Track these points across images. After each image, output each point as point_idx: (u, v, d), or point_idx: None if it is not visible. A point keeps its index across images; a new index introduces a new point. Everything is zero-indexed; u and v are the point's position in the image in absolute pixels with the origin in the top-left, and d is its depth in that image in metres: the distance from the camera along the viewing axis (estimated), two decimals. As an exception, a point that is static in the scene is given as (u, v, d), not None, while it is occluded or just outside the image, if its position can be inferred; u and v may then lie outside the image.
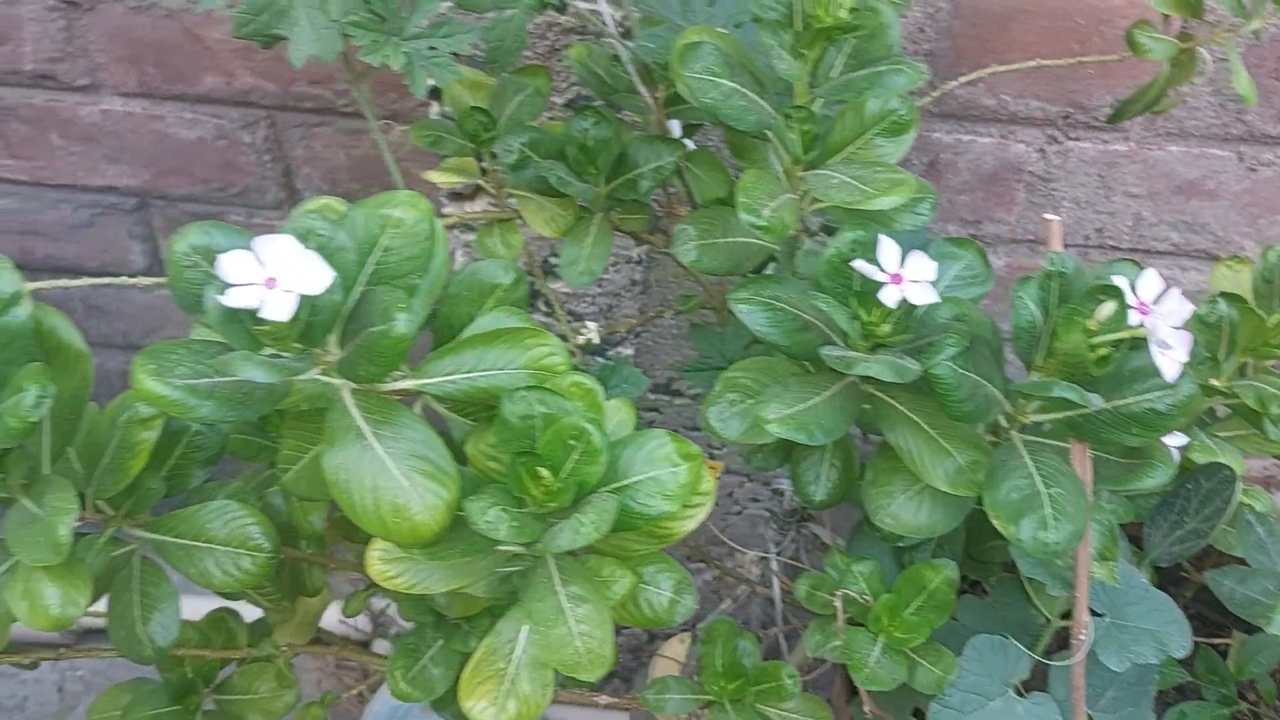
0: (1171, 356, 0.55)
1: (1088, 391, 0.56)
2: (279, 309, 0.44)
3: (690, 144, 0.80)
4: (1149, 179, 1.03)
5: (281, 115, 1.18)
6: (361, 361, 0.49)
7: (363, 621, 1.36)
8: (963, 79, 0.82)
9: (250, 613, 0.79)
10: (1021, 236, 1.08)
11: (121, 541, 0.63)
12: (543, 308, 1.08)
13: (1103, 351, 0.55)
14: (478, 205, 1.15)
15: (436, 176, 0.76)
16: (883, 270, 0.57)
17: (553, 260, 1.13)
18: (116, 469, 0.57)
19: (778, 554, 0.86)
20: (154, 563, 0.63)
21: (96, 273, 1.35)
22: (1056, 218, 0.60)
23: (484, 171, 0.81)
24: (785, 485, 0.90)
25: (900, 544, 0.75)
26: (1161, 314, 0.56)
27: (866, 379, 0.65)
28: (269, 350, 0.47)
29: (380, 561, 0.58)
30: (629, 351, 1.14)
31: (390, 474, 0.52)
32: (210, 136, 1.19)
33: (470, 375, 0.57)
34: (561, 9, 0.76)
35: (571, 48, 0.82)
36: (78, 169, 1.24)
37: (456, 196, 1.16)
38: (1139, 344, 0.58)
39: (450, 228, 0.99)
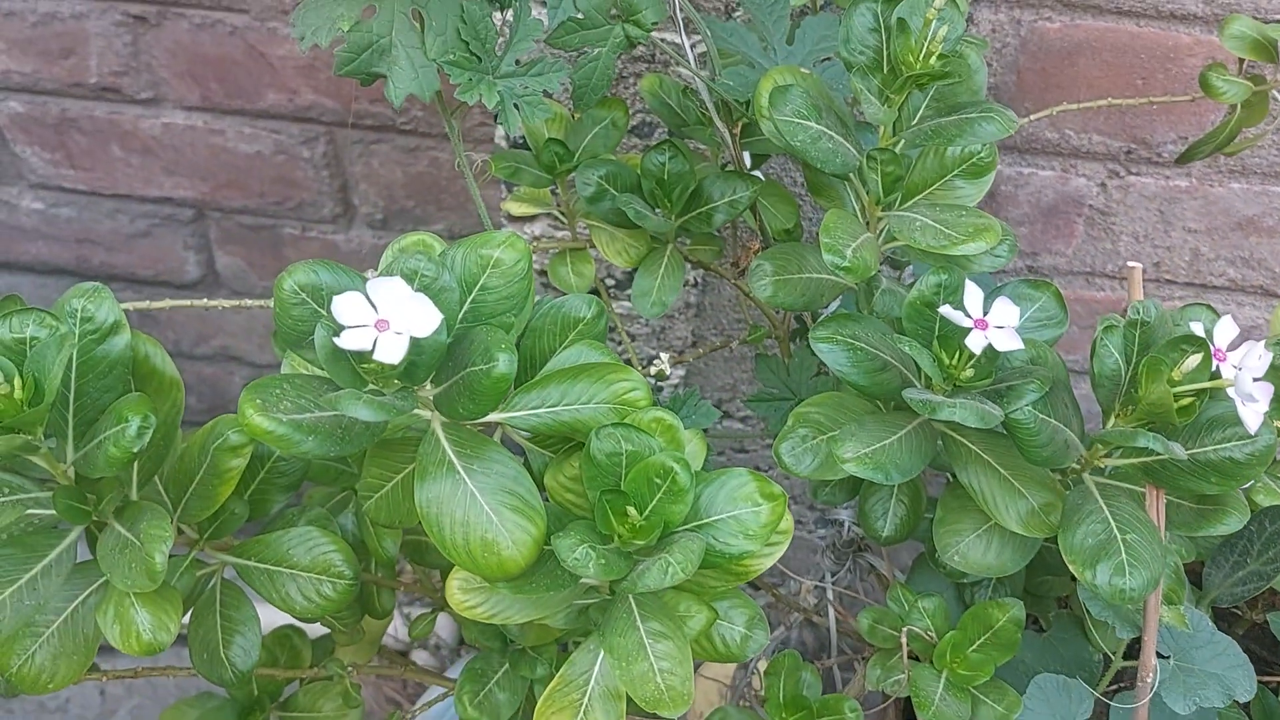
0: (1255, 409, 0.55)
1: (1169, 440, 0.56)
2: (391, 351, 0.45)
3: (759, 175, 0.81)
4: (1208, 215, 1.03)
5: (341, 132, 1.19)
6: (461, 399, 0.50)
7: (398, 628, 1.36)
8: (1033, 116, 0.83)
9: (312, 629, 0.80)
10: (1079, 269, 1.08)
11: (202, 563, 0.64)
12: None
13: (1186, 401, 0.56)
14: (536, 228, 1.16)
15: (514, 207, 0.77)
16: (968, 316, 0.57)
17: (608, 281, 1.14)
18: (205, 495, 0.58)
19: (834, 583, 0.86)
20: (234, 586, 0.64)
21: (151, 281, 1.36)
22: (1138, 265, 0.60)
23: (556, 199, 0.82)
24: (843, 516, 0.90)
25: (963, 580, 0.75)
26: (1245, 366, 0.56)
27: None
28: (370, 387, 0.48)
29: (460, 591, 0.59)
30: (680, 373, 1.14)
31: (480, 509, 0.52)
32: (269, 151, 1.21)
33: (554, 409, 0.58)
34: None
35: (643, 78, 0.83)
36: (136, 180, 1.25)
37: (515, 219, 1.17)
38: (1217, 392, 0.58)
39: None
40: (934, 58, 0.59)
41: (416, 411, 0.53)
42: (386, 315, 0.45)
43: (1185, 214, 1.03)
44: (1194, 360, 0.54)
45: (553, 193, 0.82)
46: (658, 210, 0.75)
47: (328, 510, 0.69)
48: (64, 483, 0.54)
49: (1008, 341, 0.57)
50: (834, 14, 0.79)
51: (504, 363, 0.48)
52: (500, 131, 1.09)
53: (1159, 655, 0.72)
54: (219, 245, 1.32)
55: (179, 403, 0.58)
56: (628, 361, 0.85)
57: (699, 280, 1.11)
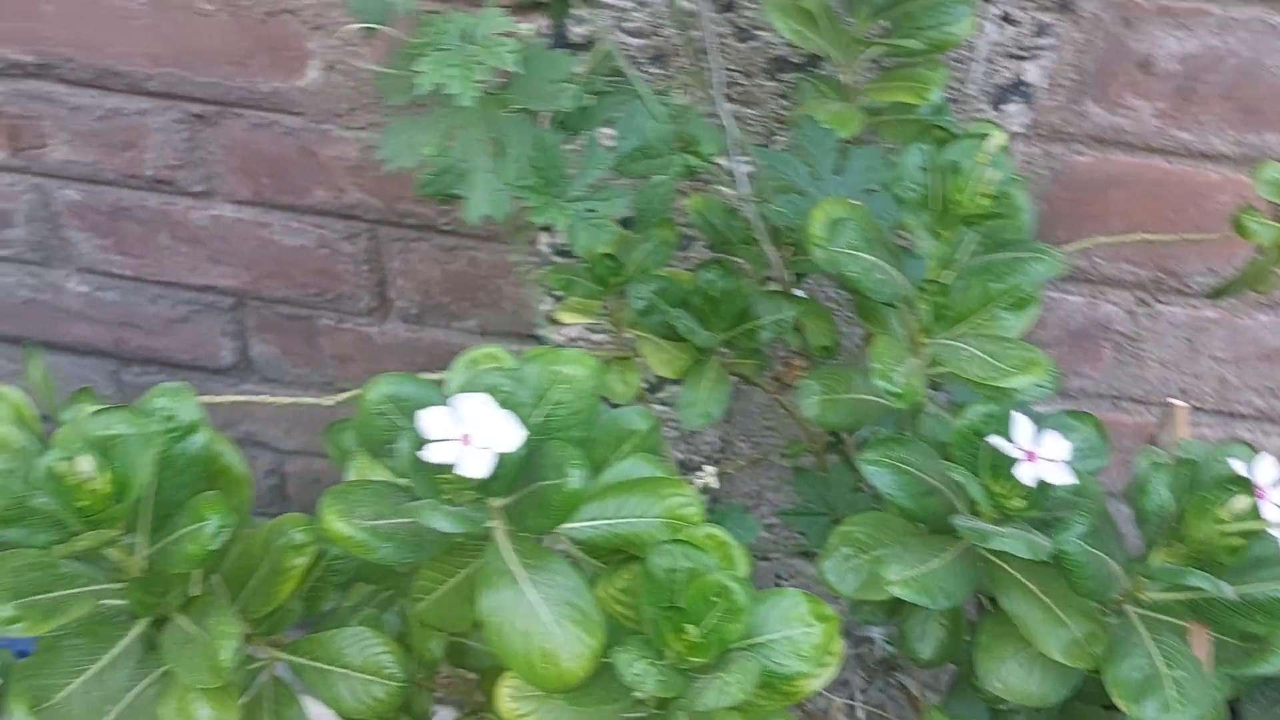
0: (1300, 549, 0.56)
1: (1217, 578, 0.57)
2: (477, 466, 0.46)
3: (800, 294, 0.84)
4: (1236, 345, 1.05)
5: (383, 229, 1.22)
6: (531, 511, 0.51)
7: None
8: (1068, 249, 0.85)
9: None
10: (1106, 392, 1.10)
11: (253, 658, 0.64)
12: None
13: (1235, 542, 0.57)
14: (572, 332, 1.18)
15: (565, 315, 0.79)
16: (1018, 447, 0.59)
17: (641, 384, 1.16)
18: (265, 592, 0.59)
19: (864, 701, 0.86)
20: (284, 683, 0.64)
21: (186, 365, 1.39)
22: (1183, 404, 0.62)
23: (605, 310, 0.84)
24: (874, 633, 0.91)
25: (1000, 706, 0.76)
26: (1288, 506, 0.58)
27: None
28: (445, 498, 0.50)
29: (511, 699, 0.59)
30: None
31: (541, 620, 0.54)
32: (312, 244, 1.24)
33: (611, 522, 0.59)
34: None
35: (689, 197, 0.86)
36: (182, 268, 1.28)
37: (553, 321, 1.20)
38: (1269, 530, 0.59)
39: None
40: (985, 198, 0.62)
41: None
42: (471, 430, 0.47)
43: (1213, 343, 1.05)
44: (1243, 501, 0.56)
45: (601, 303, 0.85)
46: (705, 325, 0.77)
47: (375, 608, 0.70)
48: (135, 575, 0.55)
49: (1059, 475, 0.58)
50: (877, 145, 0.82)
51: (577, 478, 0.50)
52: (545, 239, 1.12)
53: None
54: (255, 333, 1.35)
55: (246, 499, 0.59)
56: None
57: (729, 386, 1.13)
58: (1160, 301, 1.03)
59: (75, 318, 1.35)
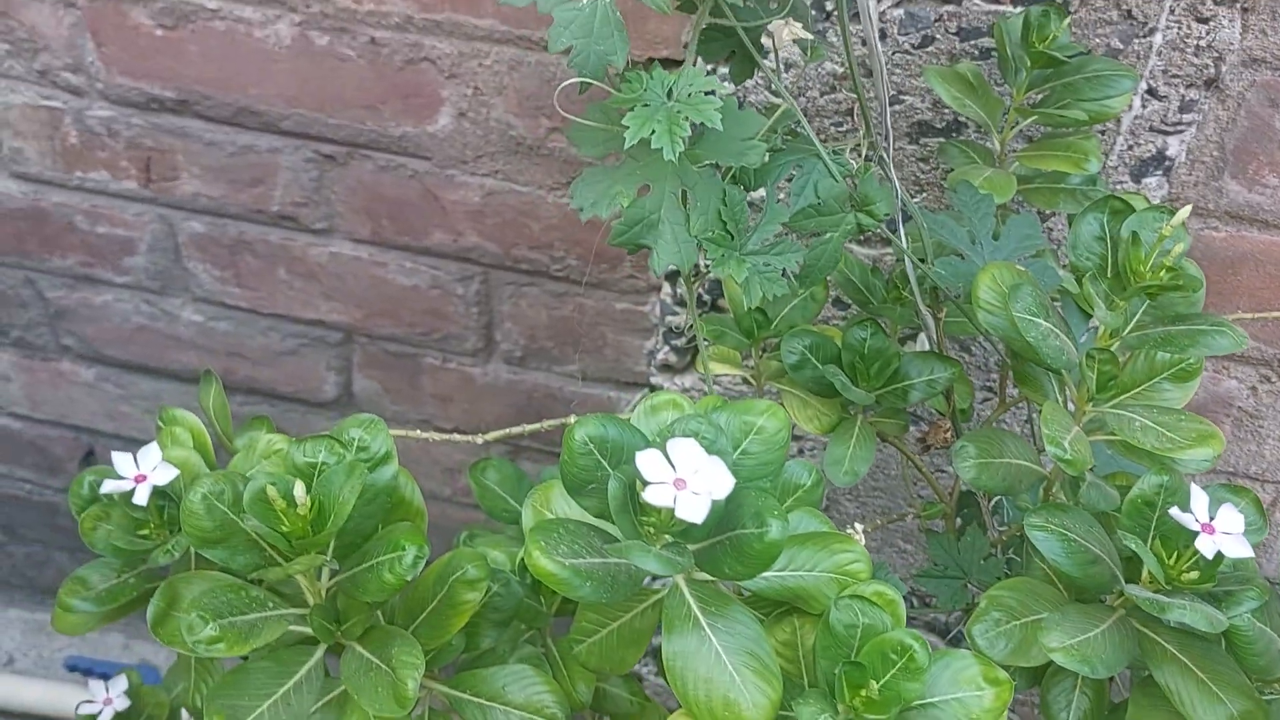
0: None
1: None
2: (695, 511, 0.47)
3: (957, 359, 0.84)
4: (1357, 428, 1.04)
5: (496, 273, 1.24)
6: (727, 559, 0.52)
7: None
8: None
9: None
10: (1222, 469, 1.09)
11: (413, 691, 0.65)
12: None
13: None
14: (687, 380, 1.19)
15: (717, 366, 0.80)
16: (1196, 520, 0.59)
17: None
18: (436, 625, 0.60)
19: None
20: (443, 715, 0.65)
21: (290, 397, 1.41)
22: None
23: (746, 362, 0.85)
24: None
25: (1143, 781, 0.75)
26: None
27: (1137, 612, 0.66)
28: (647, 540, 0.50)
29: (683, 745, 0.60)
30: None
31: (724, 668, 0.54)
32: (425, 285, 1.26)
33: (781, 574, 0.60)
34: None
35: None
36: (295, 302, 1.31)
37: (666, 369, 1.21)
38: None
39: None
40: (1164, 270, 0.62)
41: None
42: (683, 475, 0.48)
43: (1335, 425, 1.04)
44: None
45: (743, 356, 0.86)
46: (858, 383, 0.78)
47: (524, 646, 0.70)
48: (318, 602, 0.56)
49: (1238, 548, 0.58)
50: (1031, 213, 0.83)
51: (776, 529, 0.50)
52: (666, 289, 1.14)
53: None
54: (360, 368, 1.37)
55: (423, 531, 0.60)
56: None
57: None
58: (1284, 380, 1.03)
59: (186, 346, 1.38)
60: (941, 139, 0.92)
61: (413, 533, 0.54)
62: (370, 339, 1.33)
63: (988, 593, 0.70)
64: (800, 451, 1.09)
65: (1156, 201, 0.94)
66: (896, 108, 0.93)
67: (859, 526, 0.71)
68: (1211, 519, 0.60)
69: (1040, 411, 0.65)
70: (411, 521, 0.60)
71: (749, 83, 0.94)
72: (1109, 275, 0.64)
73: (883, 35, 0.89)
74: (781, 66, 0.87)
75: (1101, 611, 0.67)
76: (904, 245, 0.74)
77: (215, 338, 1.37)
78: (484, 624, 0.65)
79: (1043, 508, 0.65)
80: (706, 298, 1.04)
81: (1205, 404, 1.06)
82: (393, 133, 1.15)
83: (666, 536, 0.51)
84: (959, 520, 0.91)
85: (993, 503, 0.88)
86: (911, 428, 1.01)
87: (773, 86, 0.71)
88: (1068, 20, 0.77)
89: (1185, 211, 0.61)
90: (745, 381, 0.83)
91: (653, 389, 1.19)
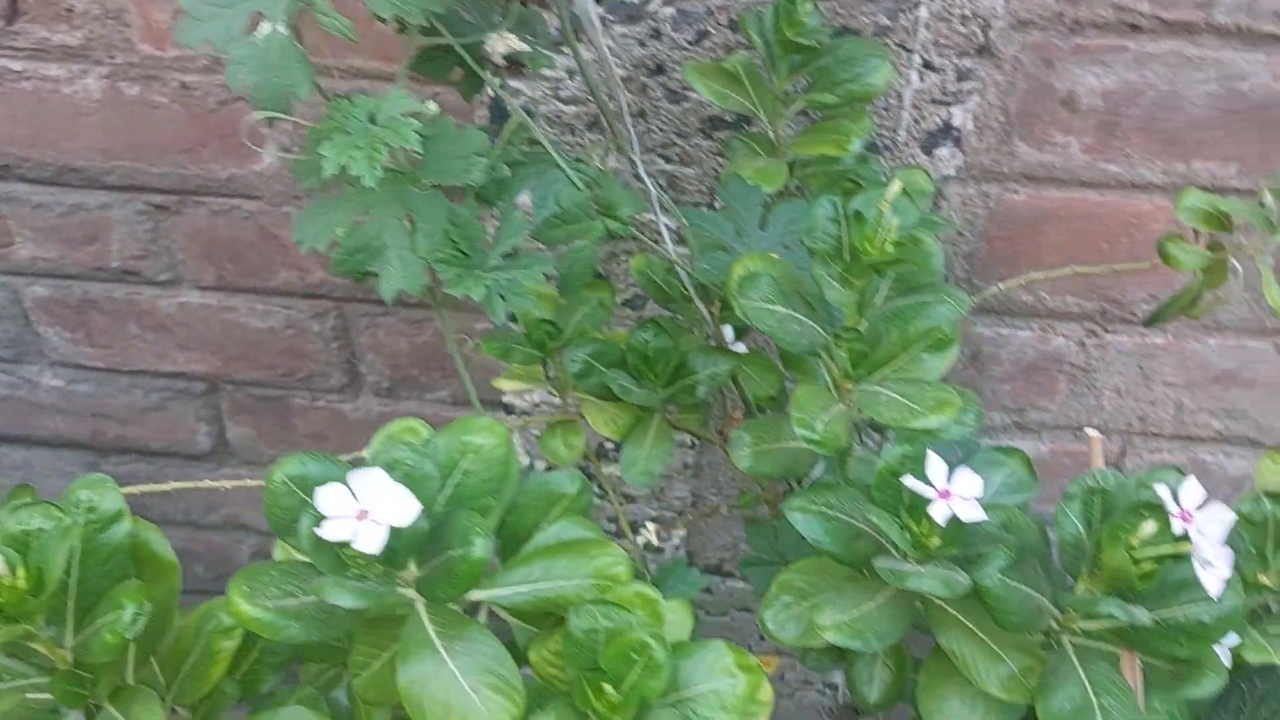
0: (1214, 574, 0.57)
1: (1132, 605, 0.57)
2: (370, 541, 0.47)
3: (743, 347, 0.85)
4: (1186, 369, 1.05)
5: (349, 306, 1.24)
6: (440, 582, 0.52)
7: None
8: (1003, 285, 0.87)
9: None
10: (1064, 424, 1.10)
11: (196, 744, 0.65)
12: (597, 489, 1.12)
13: (1147, 567, 0.57)
14: (536, 396, 1.19)
15: (506, 384, 0.80)
16: (932, 486, 0.60)
17: (607, 445, 1.16)
18: (198, 676, 0.60)
19: (832, 749, 0.86)
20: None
21: (163, 453, 1.40)
22: (1097, 434, 0.63)
23: (548, 375, 0.85)
24: (839, 679, 0.90)
25: (954, 746, 0.75)
26: (1203, 531, 0.58)
27: (918, 585, 0.67)
28: (354, 572, 0.50)
29: (442, 770, 0.60)
30: (681, 533, 1.16)
31: (462, 689, 0.54)
32: (280, 325, 1.26)
33: (537, 586, 0.60)
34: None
35: (634, 257, 0.87)
36: (150, 356, 1.30)
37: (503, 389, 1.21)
38: (1182, 555, 0.60)
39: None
40: (890, 244, 0.63)
41: (401, 591, 0.55)
42: (367, 505, 0.48)
43: (1164, 369, 1.06)
44: (1149, 528, 0.56)
45: (546, 373, 0.86)
46: (644, 384, 0.78)
47: (320, 687, 0.70)
48: (63, 668, 0.56)
49: (971, 512, 0.59)
50: (802, 198, 0.84)
51: (480, 547, 0.50)
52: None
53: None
54: (230, 416, 1.36)
55: (175, 586, 0.60)
56: (616, 531, 0.87)
57: (695, 442, 1.14)
58: (1108, 331, 1.04)
59: (50, 411, 1.37)
60: (732, 132, 0.93)
61: (134, 590, 0.53)
62: (235, 385, 1.33)
63: (779, 577, 0.71)
64: (616, 448, 1.09)
65: (951, 172, 0.95)
66: (685, 104, 0.93)
67: (651, 526, 0.71)
68: (950, 485, 0.60)
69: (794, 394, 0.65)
70: (160, 578, 0.59)
71: (538, 94, 0.94)
72: (845, 256, 0.65)
73: (657, 34, 0.90)
74: (502, 79, 0.87)
75: (880, 585, 0.67)
76: (669, 245, 0.74)
77: (78, 401, 1.36)
78: (263, 669, 0.65)
79: (807, 489, 0.66)
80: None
81: (1037, 363, 1.07)
82: (219, 176, 1.14)
83: (377, 567, 0.51)
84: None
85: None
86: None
87: (515, 99, 0.72)
88: (811, 4, 0.78)
89: (897, 186, 0.62)
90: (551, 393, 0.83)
91: (507, 409, 1.19)
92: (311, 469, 0.52)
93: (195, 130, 1.11)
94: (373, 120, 0.60)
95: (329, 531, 0.47)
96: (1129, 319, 1.03)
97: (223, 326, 1.27)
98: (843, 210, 0.66)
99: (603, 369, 0.78)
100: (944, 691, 0.67)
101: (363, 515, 0.48)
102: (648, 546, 0.83)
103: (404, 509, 0.48)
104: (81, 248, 1.21)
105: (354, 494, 0.49)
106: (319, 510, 0.48)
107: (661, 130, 0.95)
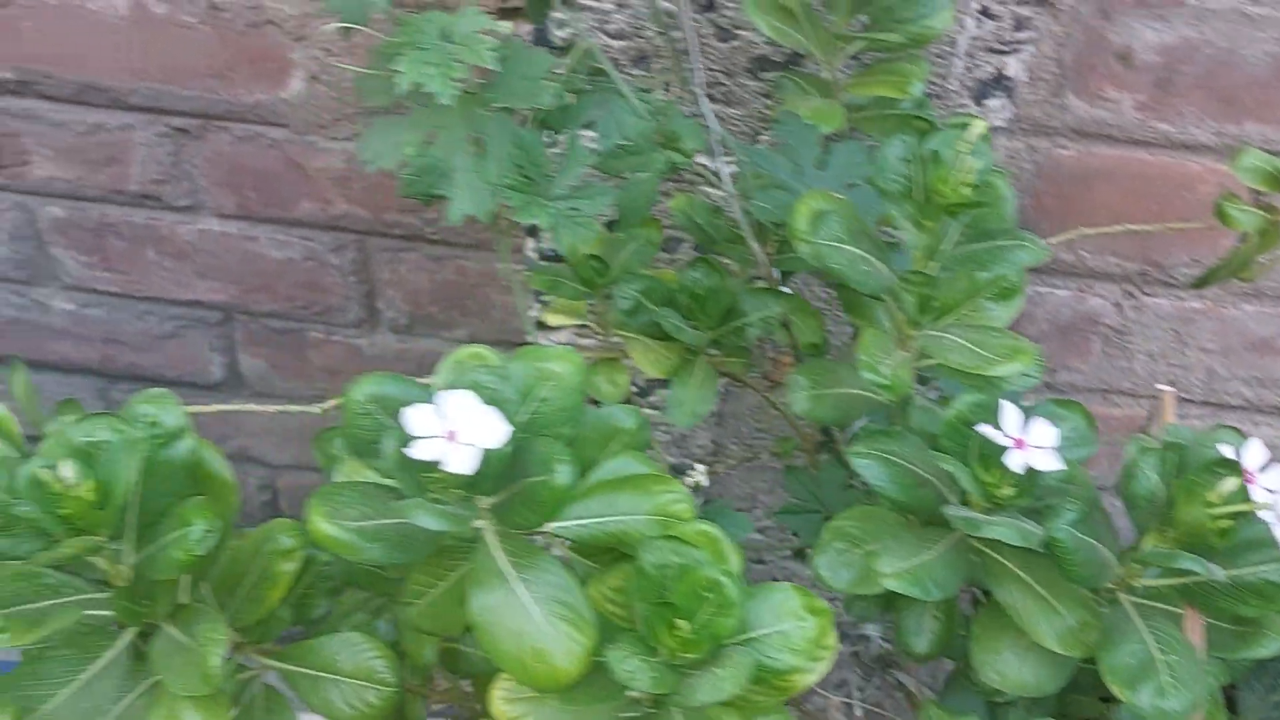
0: (1285, 532, 0.56)
1: (1207, 562, 0.57)
2: (462, 462, 0.46)
3: (787, 290, 0.83)
4: (1223, 335, 1.05)
5: (371, 239, 1.22)
6: (519, 509, 0.51)
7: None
8: (1052, 240, 0.85)
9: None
10: (1096, 386, 1.10)
11: (244, 667, 0.64)
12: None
13: (1225, 524, 0.57)
14: (562, 336, 1.18)
15: (551, 318, 0.79)
16: (1006, 435, 0.59)
17: (631, 388, 1.15)
18: (255, 598, 0.59)
19: (862, 700, 0.86)
20: (276, 691, 0.64)
21: (175, 382, 1.38)
22: (1170, 389, 0.62)
23: (591, 311, 0.84)
24: (870, 631, 0.90)
25: (997, 699, 0.75)
26: (1277, 490, 0.58)
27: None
28: (433, 496, 0.49)
29: (503, 701, 0.59)
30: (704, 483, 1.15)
31: (533, 619, 0.53)
32: (299, 257, 1.24)
33: (600, 520, 0.59)
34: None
35: (673, 197, 0.86)
36: (168, 283, 1.28)
37: (543, 326, 1.20)
38: (1251, 514, 0.59)
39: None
40: (967, 187, 0.62)
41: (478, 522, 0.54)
42: (456, 427, 0.47)
43: (1200, 334, 1.05)
44: (1231, 484, 0.56)
45: (588, 304, 0.85)
46: (694, 324, 0.77)
47: (369, 614, 0.69)
48: (121, 584, 0.55)
49: (1048, 461, 0.58)
50: (860, 140, 0.82)
51: (564, 474, 0.49)
52: (531, 244, 1.12)
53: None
54: (244, 347, 1.34)
55: (234, 506, 0.59)
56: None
57: (721, 389, 1.13)
58: (1146, 294, 1.04)
59: (61, 335, 1.34)
60: (780, 72, 0.91)
61: (203, 507, 0.52)
62: (251, 316, 1.31)
63: (830, 524, 0.70)
64: (639, 392, 1.09)
65: (1001, 123, 0.94)
66: (735, 43, 0.91)
67: (700, 467, 0.70)
68: (1024, 434, 0.60)
69: (859, 338, 0.64)
70: (219, 497, 0.58)
71: (582, 28, 0.92)
72: (918, 197, 0.64)
73: (714, -31, 0.88)
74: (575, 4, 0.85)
75: (939, 534, 0.67)
76: (728, 181, 0.73)
77: (90, 325, 1.34)
78: (315, 594, 0.64)
79: (868, 434, 0.65)
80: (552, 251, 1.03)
81: (1072, 323, 1.06)
82: (245, 101, 1.12)
83: (458, 491, 0.50)
84: (826, 456, 0.91)
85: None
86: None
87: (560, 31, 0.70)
88: (882, -59, 0.76)
89: (980, 126, 0.61)
90: (593, 332, 0.82)
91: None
92: (391, 389, 0.51)
93: (223, 53, 1.09)
94: (446, 37, 0.58)
95: (419, 451, 0.46)
96: (1169, 282, 1.02)
97: (242, 256, 1.25)
98: (915, 151, 0.65)
99: (653, 306, 0.76)
100: (997, 644, 0.67)
101: (451, 436, 0.47)
102: (696, 487, 0.82)
103: (495, 431, 0.47)
104: (101, 169, 1.19)
105: (442, 415, 0.48)
106: (406, 430, 0.47)
107: (710, 70, 0.93)
